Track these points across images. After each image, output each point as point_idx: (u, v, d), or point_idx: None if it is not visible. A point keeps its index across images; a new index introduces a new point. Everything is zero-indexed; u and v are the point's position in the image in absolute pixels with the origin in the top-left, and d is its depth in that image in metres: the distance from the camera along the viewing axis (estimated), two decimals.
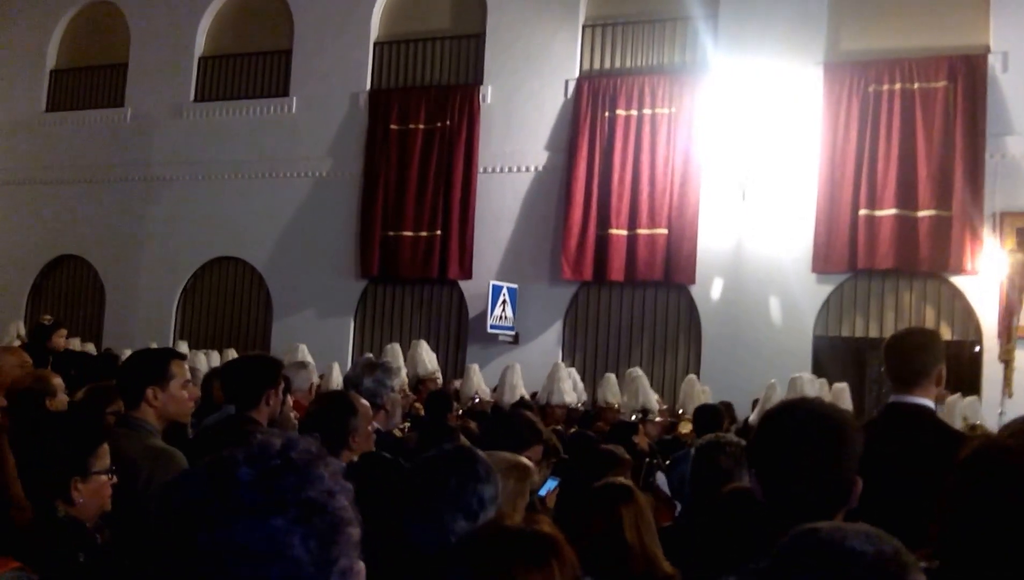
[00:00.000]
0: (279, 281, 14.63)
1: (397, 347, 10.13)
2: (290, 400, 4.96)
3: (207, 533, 1.06)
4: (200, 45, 15.72)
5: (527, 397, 9.58)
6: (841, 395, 9.07)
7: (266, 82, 15.25)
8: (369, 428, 3.80)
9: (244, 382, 3.83)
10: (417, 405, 8.11)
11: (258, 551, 1.05)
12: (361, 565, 1.14)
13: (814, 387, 8.91)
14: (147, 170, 15.56)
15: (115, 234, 15.62)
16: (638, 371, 9.95)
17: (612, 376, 10.15)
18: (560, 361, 11.22)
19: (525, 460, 3.23)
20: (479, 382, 10.20)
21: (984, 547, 1.91)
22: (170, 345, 13.57)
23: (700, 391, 10.23)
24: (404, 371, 9.25)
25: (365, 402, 3.82)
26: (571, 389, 9.92)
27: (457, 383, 10.58)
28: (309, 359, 8.90)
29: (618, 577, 2.72)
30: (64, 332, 9.10)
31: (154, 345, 8.37)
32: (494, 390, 10.63)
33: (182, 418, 3.68)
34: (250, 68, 15.41)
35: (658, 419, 9.17)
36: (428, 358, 10.09)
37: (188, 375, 3.64)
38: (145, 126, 15.69)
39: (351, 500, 1.15)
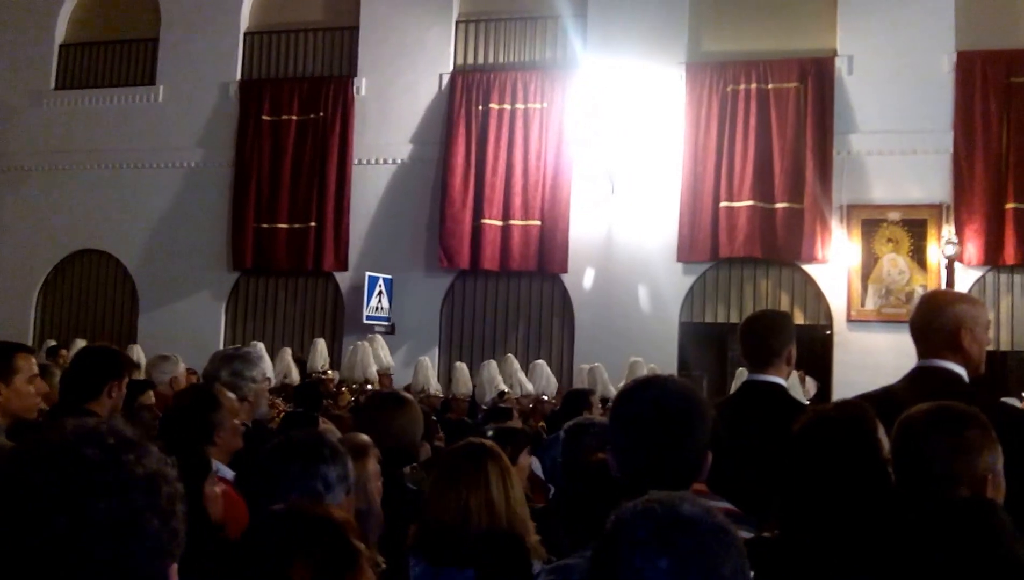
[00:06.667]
0: (146, 274, 14.25)
1: (365, 344, 10.31)
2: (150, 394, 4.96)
3: (65, 515, 1.03)
4: (61, 32, 15.12)
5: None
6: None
7: (132, 70, 14.80)
8: (236, 422, 3.77)
9: (85, 373, 3.70)
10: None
11: (119, 528, 1.05)
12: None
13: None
14: (4, 160, 14.87)
15: None
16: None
17: (463, 366, 10.46)
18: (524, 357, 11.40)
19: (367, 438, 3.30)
20: (430, 376, 10.40)
21: (814, 513, 2.07)
22: (30, 341, 13.08)
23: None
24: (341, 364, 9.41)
25: (232, 396, 3.76)
26: (527, 379, 10.17)
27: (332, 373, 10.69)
28: (264, 355, 8.15)
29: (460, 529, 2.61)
30: None
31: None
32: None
33: (28, 414, 3.47)
34: (115, 56, 14.92)
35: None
36: (383, 353, 10.41)
37: (35, 370, 3.48)
38: (2, 115, 14.99)
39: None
